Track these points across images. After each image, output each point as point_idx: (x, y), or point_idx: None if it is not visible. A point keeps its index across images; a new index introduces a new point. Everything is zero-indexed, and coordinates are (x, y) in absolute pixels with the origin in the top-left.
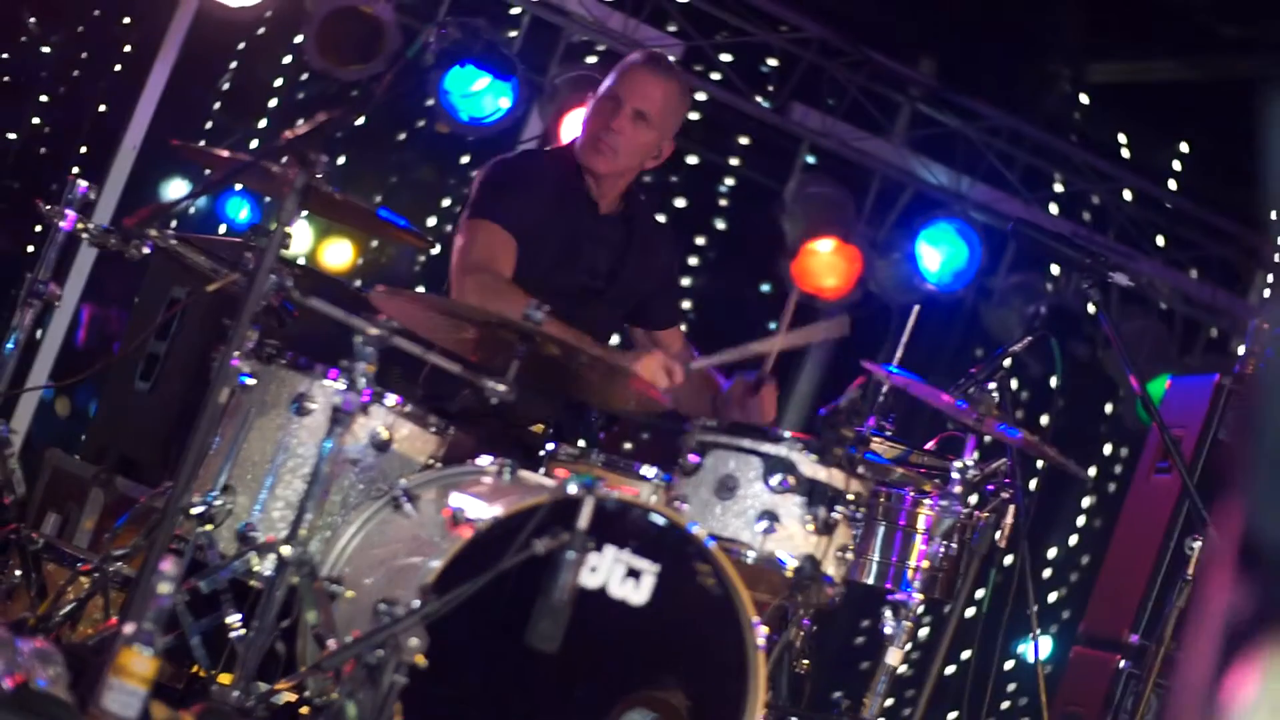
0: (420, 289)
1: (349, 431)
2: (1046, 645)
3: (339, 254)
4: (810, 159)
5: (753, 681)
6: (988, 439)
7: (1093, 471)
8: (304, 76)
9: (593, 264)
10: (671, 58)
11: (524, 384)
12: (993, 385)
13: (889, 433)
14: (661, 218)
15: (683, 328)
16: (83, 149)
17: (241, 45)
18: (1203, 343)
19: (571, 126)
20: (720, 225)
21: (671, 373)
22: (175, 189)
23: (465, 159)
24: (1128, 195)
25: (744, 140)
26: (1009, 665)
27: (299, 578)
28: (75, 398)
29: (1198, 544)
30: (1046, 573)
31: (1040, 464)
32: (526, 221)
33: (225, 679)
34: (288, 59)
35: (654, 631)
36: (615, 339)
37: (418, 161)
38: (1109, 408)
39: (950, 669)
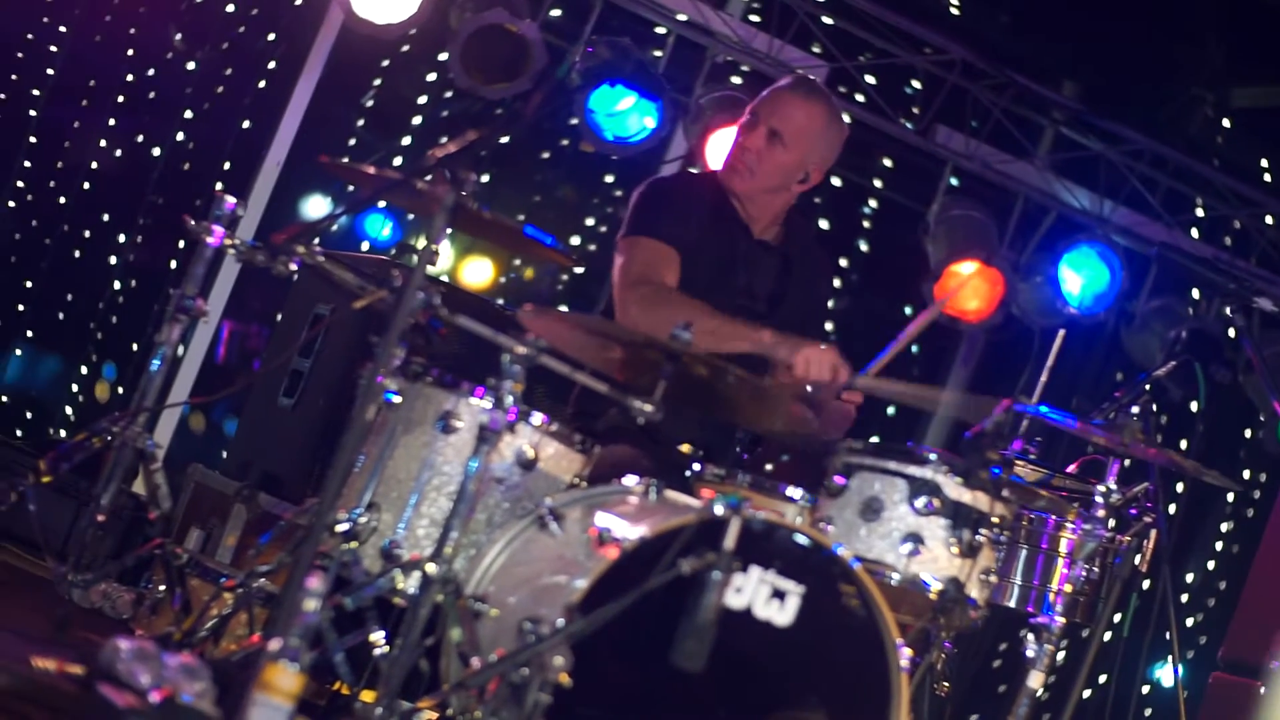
0: (563, 308)
1: (495, 450)
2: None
3: (479, 272)
4: (954, 181)
5: (896, 704)
6: (1128, 462)
7: (1231, 496)
8: (448, 94)
9: (749, 287)
10: (815, 79)
11: (671, 404)
12: (1136, 409)
13: (1033, 456)
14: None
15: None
16: (226, 165)
17: (386, 62)
18: None
19: (717, 147)
20: (863, 247)
21: (838, 371)
22: (317, 206)
23: (609, 178)
24: (1270, 220)
25: (887, 162)
26: (1144, 690)
27: (443, 595)
28: (211, 413)
29: None
30: (1184, 597)
31: (1180, 488)
32: (685, 239)
33: (368, 696)
34: (432, 76)
35: (798, 652)
36: None
37: (561, 180)
38: (1248, 433)
39: (1087, 693)
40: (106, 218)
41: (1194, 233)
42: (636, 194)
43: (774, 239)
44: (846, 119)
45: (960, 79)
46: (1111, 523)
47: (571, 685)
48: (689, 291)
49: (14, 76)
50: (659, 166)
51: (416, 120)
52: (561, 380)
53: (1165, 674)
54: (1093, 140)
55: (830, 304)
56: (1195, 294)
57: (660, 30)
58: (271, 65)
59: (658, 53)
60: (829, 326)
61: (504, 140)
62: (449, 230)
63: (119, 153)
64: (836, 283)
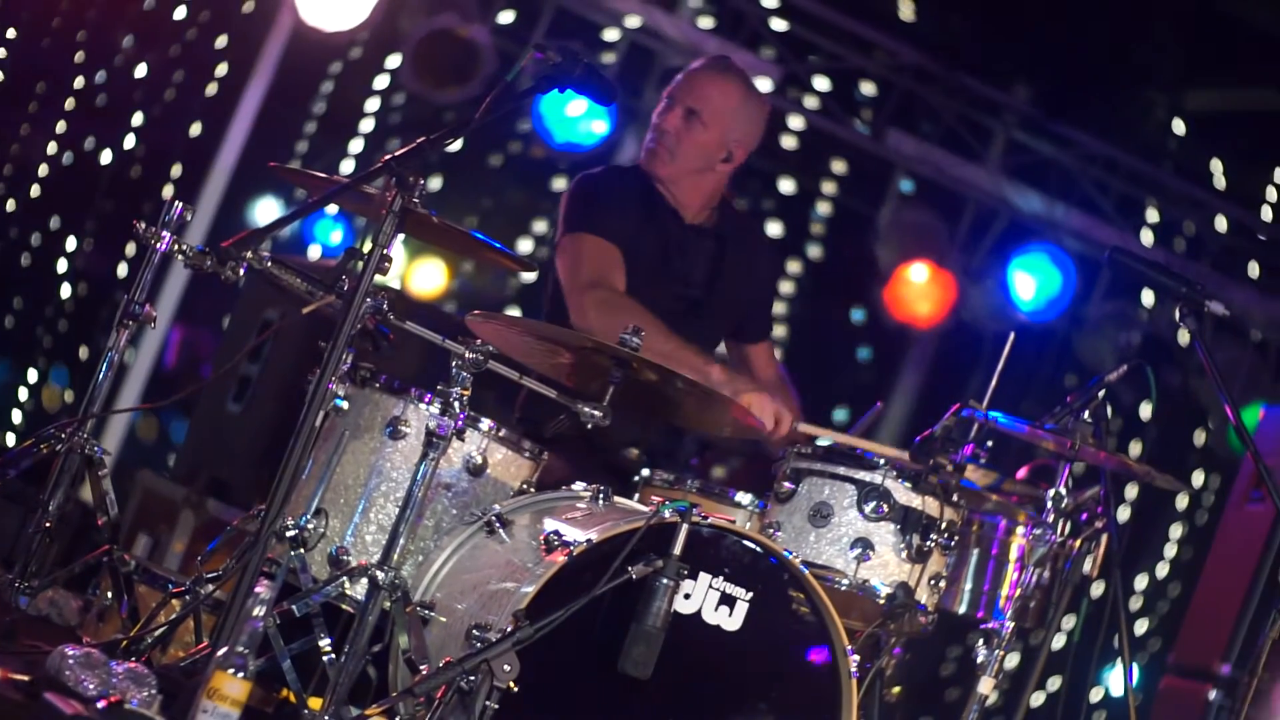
0: (514, 312)
1: (443, 456)
2: (1132, 675)
3: (430, 277)
4: (905, 185)
5: (845, 709)
6: (1080, 467)
7: (1183, 501)
8: (398, 99)
9: (686, 274)
10: (768, 82)
11: (619, 409)
12: (1087, 414)
13: (983, 460)
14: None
15: (776, 351)
16: (176, 170)
17: (336, 67)
18: None
19: None
20: (815, 252)
21: (780, 421)
22: (267, 211)
23: (560, 184)
24: (1222, 223)
25: (839, 166)
26: (1096, 695)
27: (391, 602)
28: (160, 419)
29: None
30: (1136, 602)
31: (1131, 494)
32: (622, 233)
33: (316, 703)
34: (382, 81)
35: (747, 658)
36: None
37: (511, 185)
38: (1200, 437)
39: (1039, 698)
40: (55, 223)
41: (1147, 236)
42: (568, 191)
43: (706, 222)
44: (799, 123)
45: (912, 83)
46: (1062, 527)
47: (519, 692)
48: (631, 283)
49: None
50: None
51: (366, 125)
52: (513, 386)
53: (1116, 678)
54: (1045, 144)
55: (781, 308)
56: (1147, 298)
57: (611, 35)
58: (221, 70)
59: (609, 57)
60: (781, 332)
61: (454, 145)
62: (400, 235)
63: (68, 158)
64: (788, 287)
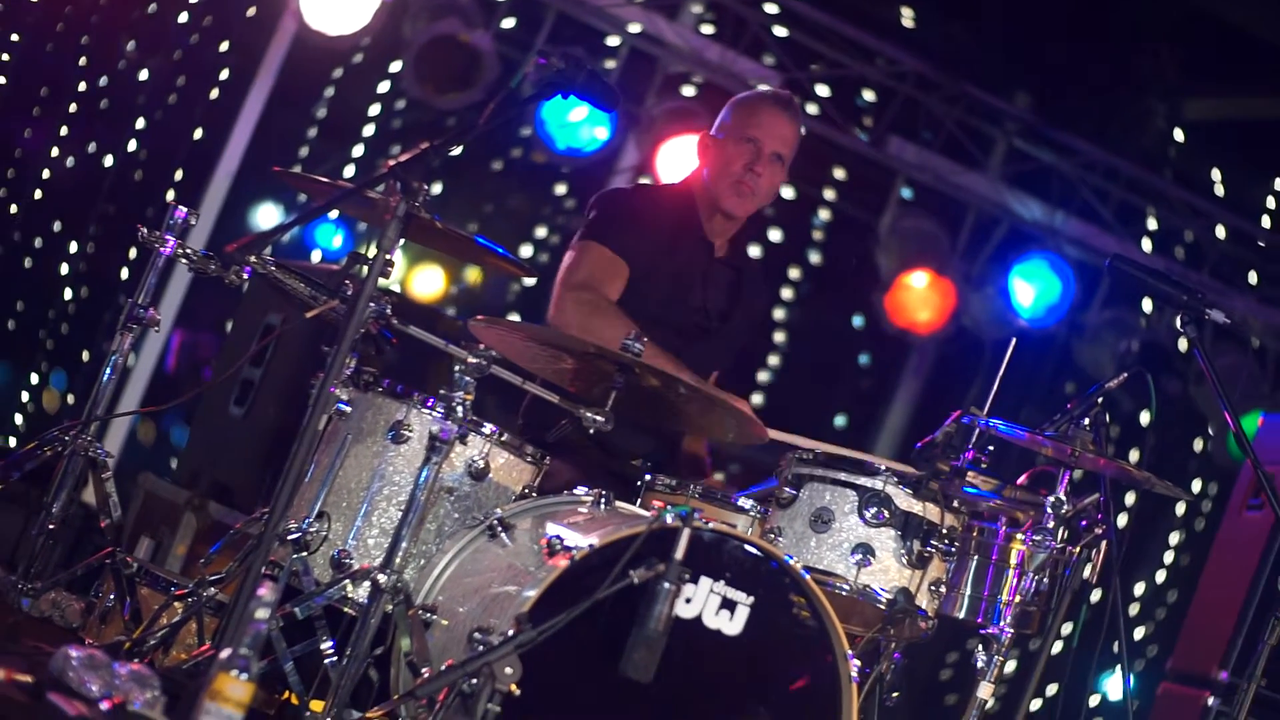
0: (514, 318)
1: (446, 460)
2: (1130, 681)
3: (430, 281)
4: (906, 193)
5: (845, 714)
6: (1079, 473)
7: (1182, 508)
8: (400, 104)
9: (703, 304)
10: (766, 90)
11: (622, 415)
12: (1086, 421)
13: (983, 467)
14: (755, 250)
15: (774, 358)
16: (179, 174)
17: (338, 72)
18: None
19: (669, 158)
20: (815, 259)
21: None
22: (268, 215)
23: (561, 189)
24: (1221, 232)
25: (839, 173)
26: (1094, 701)
27: (393, 605)
28: (161, 423)
29: None
30: (1134, 609)
31: (1130, 501)
32: (640, 253)
33: (318, 706)
34: (384, 86)
35: (748, 663)
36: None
37: (513, 190)
38: (1199, 444)
39: (1038, 704)
40: (58, 226)
41: (1146, 244)
42: (598, 200)
43: (724, 252)
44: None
45: (913, 90)
46: (1062, 534)
47: (521, 695)
48: (641, 304)
49: None
50: (610, 177)
51: (368, 130)
52: (517, 391)
53: (1114, 685)
54: (1045, 151)
55: (781, 314)
56: (1147, 305)
57: (613, 41)
58: (224, 75)
59: (610, 64)
60: (780, 337)
61: (456, 150)
62: (401, 240)
63: (71, 161)
64: (788, 294)
